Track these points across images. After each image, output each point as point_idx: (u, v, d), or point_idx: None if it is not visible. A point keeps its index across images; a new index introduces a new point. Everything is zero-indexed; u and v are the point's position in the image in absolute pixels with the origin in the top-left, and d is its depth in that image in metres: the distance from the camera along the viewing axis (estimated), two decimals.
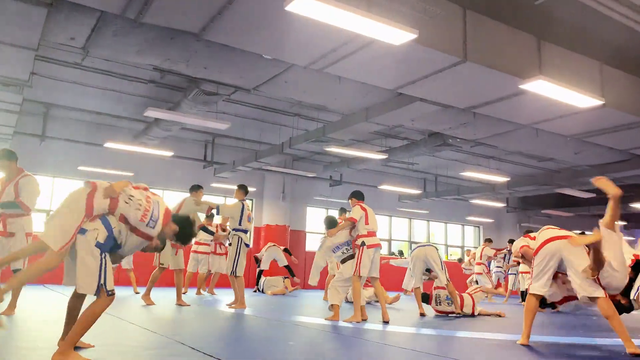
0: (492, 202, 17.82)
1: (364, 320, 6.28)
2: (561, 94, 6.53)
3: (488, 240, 13.39)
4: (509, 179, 14.60)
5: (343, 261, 6.60)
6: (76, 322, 3.10)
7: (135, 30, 6.23)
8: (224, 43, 6.06)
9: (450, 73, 6.35)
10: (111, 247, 3.24)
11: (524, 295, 11.47)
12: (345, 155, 13.25)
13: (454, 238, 20.18)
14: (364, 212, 6.50)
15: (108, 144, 11.07)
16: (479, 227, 20.59)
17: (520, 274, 11.60)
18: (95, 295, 3.07)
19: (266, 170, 14.11)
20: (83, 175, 12.57)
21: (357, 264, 6.31)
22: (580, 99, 6.71)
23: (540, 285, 4.46)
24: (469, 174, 13.65)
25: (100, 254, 3.11)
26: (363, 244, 6.34)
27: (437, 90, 7.07)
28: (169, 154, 11.98)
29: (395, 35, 5.05)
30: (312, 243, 15.98)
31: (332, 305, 6.34)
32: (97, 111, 11.49)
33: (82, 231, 3.15)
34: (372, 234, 6.48)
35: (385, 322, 6.11)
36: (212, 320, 5.88)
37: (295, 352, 3.91)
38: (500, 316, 8.04)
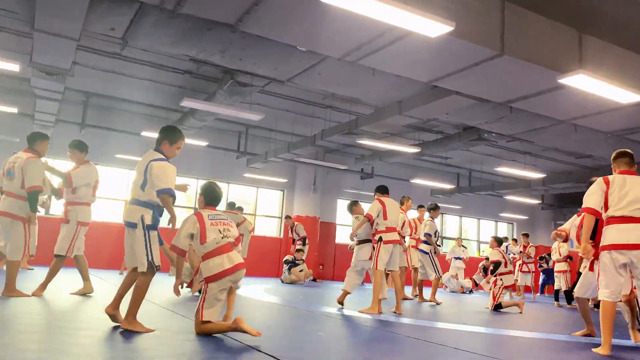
0: (527, 199, 17.47)
1: (398, 314, 6.29)
2: (602, 89, 6.34)
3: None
4: (544, 175, 14.28)
5: (358, 243, 6.75)
6: (132, 295, 3.61)
7: (172, 21, 6.33)
8: (259, 34, 6.10)
9: (487, 66, 6.23)
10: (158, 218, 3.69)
11: (557, 294, 11.24)
12: (377, 148, 13.19)
13: (487, 234, 19.88)
14: (382, 206, 6.48)
15: (145, 133, 11.32)
16: (512, 223, 20.24)
17: (555, 273, 11.36)
18: (145, 270, 3.57)
19: (298, 162, 14.18)
20: (121, 163, 12.90)
21: (375, 258, 6.38)
22: (622, 95, 6.50)
23: (612, 293, 4.08)
24: (504, 169, 13.42)
25: (145, 235, 3.57)
26: (380, 239, 6.38)
27: (473, 83, 6.96)
28: (204, 144, 12.16)
29: (432, 27, 4.99)
30: (342, 235, 16.01)
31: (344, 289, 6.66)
32: (134, 100, 11.74)
33: (131, 225, 3.59)
34: (390, 229, 6.47)
35: (398, 314, 6.25)
36: (242, 308, 5.97)
37: (325, 342, 3.95)
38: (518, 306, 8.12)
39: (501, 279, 8.13)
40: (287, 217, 13.97)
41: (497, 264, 8.25)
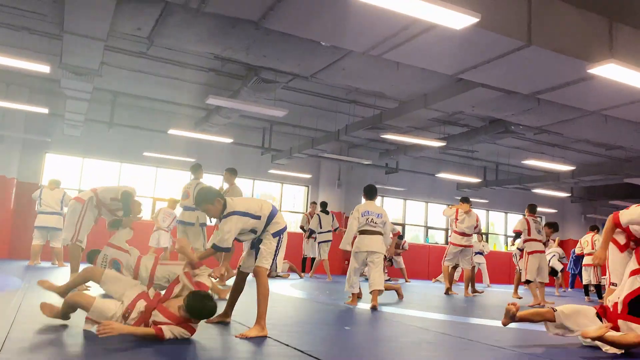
0: (556, 192, 17.14)
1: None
2: (634, 78, 6.17)
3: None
4: (574, 168, 13.99)
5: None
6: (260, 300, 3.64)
7: (197, 19, 6.40)
8: (282, 31, 6.11)
9: (513, 57, 6.13)
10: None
11: (587, 288, 11.01)
12: (402, 143, 13.10)
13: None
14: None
15: (171, 131, 11.48)
16: (541, 217, 19.89)
17: (584, 266, 11.12)
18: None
19: (322, 157, 14.18)
20: (148, 160, 13.11)
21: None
22: None
23: None
24: (532, 162, 13.18)
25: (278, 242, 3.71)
26: None
27: (500, 75, 6.85)
28: (229, 140, 12.27)
29: (457, 19, 4.93)
30: None
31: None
32: (161, 99, 11.91)
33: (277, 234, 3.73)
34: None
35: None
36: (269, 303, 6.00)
37: (353, 337, 3.96)
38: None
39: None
40: (314, 203, 13.12)
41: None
